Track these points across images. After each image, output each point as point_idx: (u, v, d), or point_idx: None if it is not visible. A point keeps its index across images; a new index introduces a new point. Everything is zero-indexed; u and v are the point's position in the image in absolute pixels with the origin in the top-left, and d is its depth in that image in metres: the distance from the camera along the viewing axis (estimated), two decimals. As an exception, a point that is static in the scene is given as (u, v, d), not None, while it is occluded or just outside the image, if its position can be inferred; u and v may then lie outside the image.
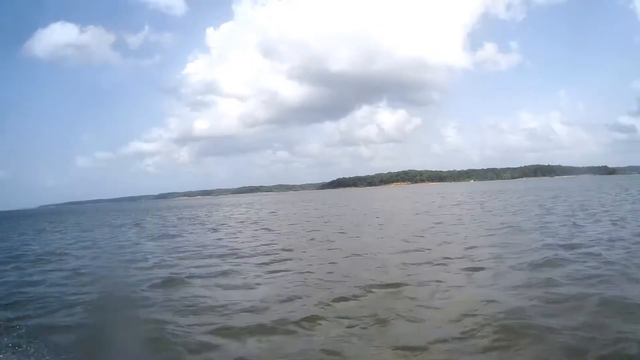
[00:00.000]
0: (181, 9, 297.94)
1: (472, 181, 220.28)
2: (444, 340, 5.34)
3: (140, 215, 49.27)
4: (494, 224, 17.26)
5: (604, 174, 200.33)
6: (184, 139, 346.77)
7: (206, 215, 40.01)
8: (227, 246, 15.18)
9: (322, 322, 6.27)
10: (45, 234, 28.03)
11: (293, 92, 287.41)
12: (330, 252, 12.62)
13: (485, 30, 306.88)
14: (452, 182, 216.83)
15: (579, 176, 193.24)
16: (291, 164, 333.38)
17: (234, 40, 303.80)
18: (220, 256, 12.87)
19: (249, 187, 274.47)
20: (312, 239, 16.02)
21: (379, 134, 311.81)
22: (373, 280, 8.50)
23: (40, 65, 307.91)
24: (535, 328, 5.43)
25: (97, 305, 8.03)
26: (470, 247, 11.74)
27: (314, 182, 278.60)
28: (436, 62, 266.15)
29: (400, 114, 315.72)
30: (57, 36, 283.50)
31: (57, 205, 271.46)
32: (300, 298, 7.60)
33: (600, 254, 9.53)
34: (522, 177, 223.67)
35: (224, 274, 10.07)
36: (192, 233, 21.76)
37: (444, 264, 9.80)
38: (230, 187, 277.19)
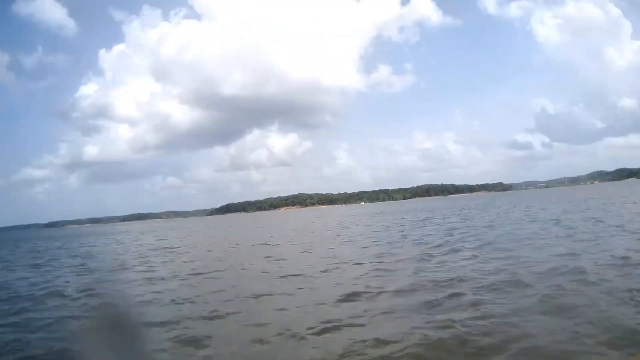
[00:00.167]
0: (73, 29, 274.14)
1: (363, 203, 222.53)
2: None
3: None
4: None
5: (499, 190, 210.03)
6: (74, 165, 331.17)
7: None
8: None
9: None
10: None
11: (184, 116, 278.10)
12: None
13: (379, 52, 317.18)
14: (343, 205, 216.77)
15: (472, 194, 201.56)
16: (181, 189, 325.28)
17: (126, 63, 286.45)
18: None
19: (138, 214, 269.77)
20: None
21: (270, 158, 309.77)
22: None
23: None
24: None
25: None
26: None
27: (203, 207, 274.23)
28: (329, 84, 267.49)
29: (292, 137, 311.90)
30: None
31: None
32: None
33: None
34: (414, 197, 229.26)
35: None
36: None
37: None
38: (120, 215, 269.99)
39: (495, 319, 6.25)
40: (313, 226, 39.28)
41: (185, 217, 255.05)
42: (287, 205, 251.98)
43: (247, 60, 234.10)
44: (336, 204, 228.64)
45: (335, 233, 27.41)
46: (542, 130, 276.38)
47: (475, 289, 8.18)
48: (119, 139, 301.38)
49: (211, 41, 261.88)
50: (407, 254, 13.89)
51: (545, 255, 11.16)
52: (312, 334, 6.34)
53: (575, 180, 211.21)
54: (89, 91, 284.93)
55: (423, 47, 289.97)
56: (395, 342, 5.72)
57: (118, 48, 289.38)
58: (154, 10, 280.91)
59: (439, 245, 15.46)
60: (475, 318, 6.37)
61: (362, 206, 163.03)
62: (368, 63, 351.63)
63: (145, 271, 14.68)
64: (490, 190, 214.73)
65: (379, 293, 8.52)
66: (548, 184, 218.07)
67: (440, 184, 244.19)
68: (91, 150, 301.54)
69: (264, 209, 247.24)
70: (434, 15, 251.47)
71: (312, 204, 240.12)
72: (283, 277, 11.30)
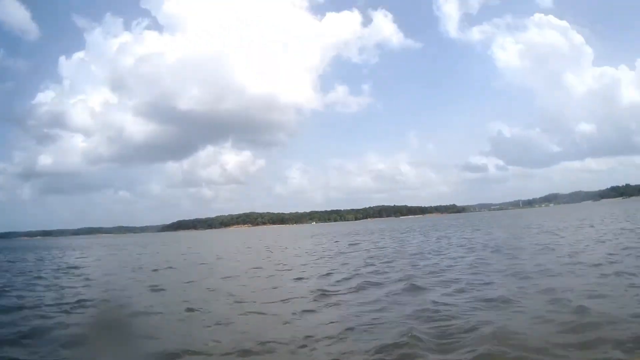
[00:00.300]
0: (35, 33, 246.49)
1: (314, 223, 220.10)
2: None
3: None
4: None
5: (452, 212, 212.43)
6: (28, 175, 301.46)
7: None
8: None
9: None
10: None
11: (139, 129, 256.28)
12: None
13: (338, 72, 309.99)
14: (294, 225, 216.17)
15: (425, 216, 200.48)
16: (132, 204, 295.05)
17: (84, 71, 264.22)
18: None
19: (89, 228, 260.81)
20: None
21: (222, 175, 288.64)
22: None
23: None
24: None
25: None
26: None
27: (155, 224, 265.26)
28: (286, 102, 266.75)
29: (245, 155, 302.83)
30: None
31: None
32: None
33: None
34: (366, 218, 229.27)
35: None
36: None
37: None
38: (71, 228, 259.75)
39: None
40: (238, 249, 36.95)
41: (135, 232, 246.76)
42: (238, 223, 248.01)
43: (205, 75, 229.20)
44: (287, 224, 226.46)
45: (252, 258, 25.66)
46: (497, 154, 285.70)
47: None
48: (73, 150, 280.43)
49: (170, 54, 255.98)
50: (299, 293, 11.55)
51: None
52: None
53: (530, 203, 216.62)
54: (46, 98, 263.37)
55: (382, 68, 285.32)
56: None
57: (78, 56, 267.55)
58: (116, 19, 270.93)
59: (345, 279, 13.52)
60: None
61: (312, 226, 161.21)
62: (326, 82, 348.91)
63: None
64: (443, 212, 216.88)
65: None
66: (502, 206, 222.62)
67: (392, 205, 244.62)
68: (45, 159, 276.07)
69: (215, 227, 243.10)
70: (395, 37, 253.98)
71: (263, 223, 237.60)
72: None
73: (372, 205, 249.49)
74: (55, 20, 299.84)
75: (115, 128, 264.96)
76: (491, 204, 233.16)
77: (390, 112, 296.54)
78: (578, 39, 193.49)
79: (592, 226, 30.68)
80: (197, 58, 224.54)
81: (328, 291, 11.31)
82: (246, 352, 6.63)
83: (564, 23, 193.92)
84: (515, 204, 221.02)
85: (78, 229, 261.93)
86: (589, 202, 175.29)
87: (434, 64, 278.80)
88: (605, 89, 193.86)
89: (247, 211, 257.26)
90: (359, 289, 11.57)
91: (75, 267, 24.42)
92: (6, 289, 15.07)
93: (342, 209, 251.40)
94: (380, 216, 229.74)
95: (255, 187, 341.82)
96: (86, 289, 14.40)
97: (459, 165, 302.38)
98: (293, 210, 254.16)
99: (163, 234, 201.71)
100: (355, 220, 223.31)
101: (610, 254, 14.58)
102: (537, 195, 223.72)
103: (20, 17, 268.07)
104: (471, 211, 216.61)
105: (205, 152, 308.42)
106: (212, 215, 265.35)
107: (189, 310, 9.80)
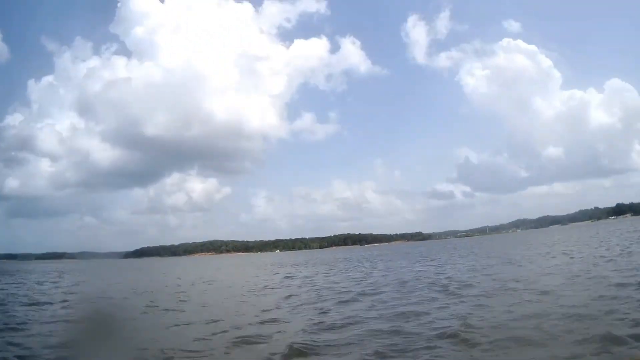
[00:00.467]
0: (5, 55, 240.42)
1: (278, 251, 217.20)
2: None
3: None
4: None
5: (418, 240, 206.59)
6: None
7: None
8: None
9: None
10: None
11: (105, 155, 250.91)
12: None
13: (305, 99, 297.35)
14: (258, 253, 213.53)
15: (391, 244, 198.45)
16: (97, 230, 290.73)
17: (53, 95, 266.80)
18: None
19: (54, 252, 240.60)
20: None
21: (188, 203, 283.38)
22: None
23: None
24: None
25: None
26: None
27: (119, 250, 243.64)
28: (252, 130, 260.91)
29: (211, 182, 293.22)
30: None
31: None
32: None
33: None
34: (331, 246, 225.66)
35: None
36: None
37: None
38: (36, 252, 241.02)
39: None
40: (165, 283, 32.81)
41: (100, 258, 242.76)
42: (202, 251, 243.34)
43: (172, 101, 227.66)
44: (252, 252, 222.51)
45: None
46: (464, 180, 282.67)
47: None
48: (39, 174, 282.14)
49: (138, 80, 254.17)
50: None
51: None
52: None
53: (497, 229, 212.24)
54: (14, 121, 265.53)
55: (349, 95, 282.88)
56: None
57: (47, 79, 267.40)
58: (86, 42, 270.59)
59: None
60: None
61: (273, 255, 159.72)
62: (292, 110, 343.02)
63: None
64: (409, 240, 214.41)
65: None
66: (469, 233, 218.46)
67: (358, 233, 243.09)
68: (12, 182, 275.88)
69: (179, 254, 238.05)
70: (362, 65, 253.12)
71: (227, 251, 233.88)
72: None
73: (337, 234, 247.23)
74: (25, 43, 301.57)
75: (82, 153, 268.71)
76: (458, 231, 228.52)
77: (356, 140, 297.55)
78: (547, 62, 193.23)
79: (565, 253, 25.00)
80: (165, 84, 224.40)
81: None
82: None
83: (533, 47, 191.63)
84: (482, 230, 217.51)
85: (44, 253, 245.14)
86: (557, 226, 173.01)
87: (401, 90, 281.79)
88: (573, 112, 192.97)
89: (212, 239, 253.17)
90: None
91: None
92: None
93: (307, 237, 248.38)
94: (346, 244, 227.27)
95: (221, 214, 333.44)
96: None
97: (426, 193, 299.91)
98: (258, 239, 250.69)
99: (125, 260, 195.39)
100: (320, 248, 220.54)
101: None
102: (505, 221, 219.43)
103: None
104: (437, 238, 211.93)
105: (171, 179, 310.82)
106: (177, 242, 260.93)
107: None
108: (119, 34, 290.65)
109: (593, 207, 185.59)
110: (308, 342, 8.96)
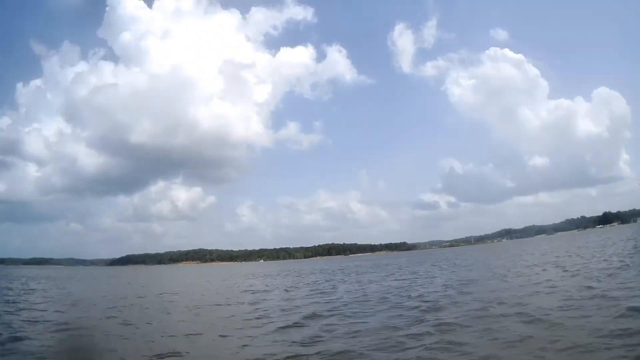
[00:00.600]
0: None
1: (262, 261, 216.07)
2: None
3: None
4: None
5: (402, 250, 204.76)
6: None
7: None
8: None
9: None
10: None
11: (91, 161, 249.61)
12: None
13: (290, 108, 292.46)
14: (243, 262, 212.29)
15: (375, 254, 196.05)
16: (83, 237, 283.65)
17: (40, 100, 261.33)
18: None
19: (40, 258, 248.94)
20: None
21: (173, 211, 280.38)
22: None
23: None
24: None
25: None
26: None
27: (104, 257, 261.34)
28: (238, 139, 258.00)
29: (196, 191, 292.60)
30: None
31: None
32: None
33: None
34: (315, 256, 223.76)
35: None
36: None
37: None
38: (22, 257, 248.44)
39: None
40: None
41: (85, 265, 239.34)
42: (187, 259, 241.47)
43: (158, 108, 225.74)
44: (236, 261, 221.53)
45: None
46: (449, 190, 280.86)
47: None
48: (26, 179, 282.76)
49: (124, 86, 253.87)
50: None
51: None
52: None
53: (482, 239, 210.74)
54: (1, 125, 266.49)
55: (334, 105, 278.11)
56: None
57: (35, 83, 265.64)
58: (73, 47, 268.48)
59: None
60: None
61: (257, 264, 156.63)
62: (277, 119, 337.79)
63: None
64: (393, 250, 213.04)
65: None
66: (453, 243, 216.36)
67: (342, 243, 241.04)
68: None
69: (164, 263, 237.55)
70: (348, 73, 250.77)
71: (212, 260, 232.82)
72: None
73: (321, 244, 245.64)
74: (13, 46, 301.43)
75: (68, 159, 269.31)
76: (442, 241, 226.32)
77: (341, 149, 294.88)
78: (534, 71, 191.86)
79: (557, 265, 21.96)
80: (151, 91, 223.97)
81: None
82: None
83: (520, 56, 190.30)
84: (467, 241, 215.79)
85: (30, 259, 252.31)
86: (543, 235, 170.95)
87: (386, 100, 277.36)
88: (560, 122, 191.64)
89: (197, 247, 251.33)
90: None
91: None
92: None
93: (292, 247, 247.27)
94: (330, 254, 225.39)
95: (206, 223, 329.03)
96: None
97: (410, 203, 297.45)
98: (243, 248, 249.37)
99: (109, 268, 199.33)
100: (304, 258, 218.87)
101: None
102: (490, 231, 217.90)
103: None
104: (422, 248, 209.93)
105: (156, 187, 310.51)
106: (162, 250, 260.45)
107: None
108: (106, 39, 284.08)
109: (579, 217, 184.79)
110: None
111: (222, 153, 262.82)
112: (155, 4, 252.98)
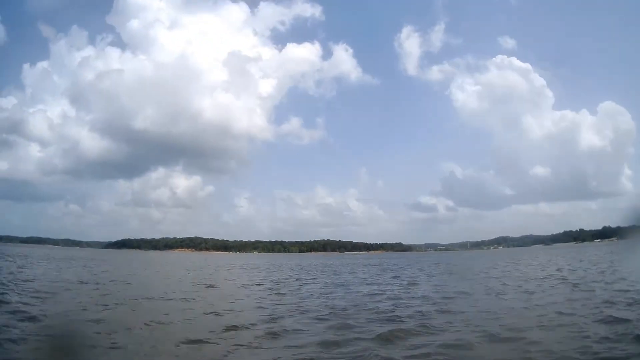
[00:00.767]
0: (2, 38, 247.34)
1: (256, 253, 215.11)
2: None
3: None
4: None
5: (398, 250, 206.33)
6: None
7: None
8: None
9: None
10: None
11: (93, 144, 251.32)
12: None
13: (293, 103, 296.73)
14: (237, 253, 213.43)
15: (370, 253, 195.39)
16: (81, 218, 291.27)
17: (47, 81, 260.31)
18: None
19: (37, 237, 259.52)
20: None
21: (171, 198, 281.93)
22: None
23: None
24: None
25: None
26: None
27: (101, 239, 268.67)
28: (239, 131, 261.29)
29: (195, 179, 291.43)
30: None
31: None
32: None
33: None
34: (310, 251, 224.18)
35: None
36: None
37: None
38: (20, 236, 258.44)
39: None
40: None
41: (82, 247, 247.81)
42: (182, 247, 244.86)
43: (162, 96, 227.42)
44: (231, 251, 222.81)
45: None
46: (447, 194, 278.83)
47: None
48: (28, 158, 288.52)
49: (130, 72, 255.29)
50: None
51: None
52: None
53: (478, 245, 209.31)
54: (7, 104, 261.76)
55: (338, 102, 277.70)
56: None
57: (42, 65, 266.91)
58: (82, 31, 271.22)
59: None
60: None
61: (251, 256, 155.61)
62: (280, 113, 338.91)
63: None
64: (388, 250, 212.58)
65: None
66: (449, 247, 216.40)
67: (338, 240, 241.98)
68: (0, 165, 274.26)
69: (159, 249, 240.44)
70: (353, 73, 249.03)
71: (207, 249, 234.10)
72: None
73: (317, 239, 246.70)
74: (22, 27, 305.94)
75: (71, 141, 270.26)
76: (438, 244, 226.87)
77: (342, 147, 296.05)
78: (540, 81, 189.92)
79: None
80: (156, 79, 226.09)
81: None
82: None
83: (527, 65, 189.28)
84: (463, 245, 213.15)
85: (27, 237, 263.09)
86: (540, 246, 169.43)
87: (390, 101, 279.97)
88: (564, 133, 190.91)
89: (193, 235, 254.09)
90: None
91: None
92: None
93: (287, 240, 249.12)
94: (325, 250, 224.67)
95: (203, 212, 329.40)
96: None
97: (408, 204, 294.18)
98: (239, 239, 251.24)
99: (104, 250, 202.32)
100: (300, 252, 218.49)
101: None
102: (487, 238, 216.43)
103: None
104: (417, 250, 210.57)
105: (156, 174, 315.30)
106: (158, 236, 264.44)
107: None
108: (115, 26, 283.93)
109: (578, 229, 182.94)
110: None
111: (223, 144, 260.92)
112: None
